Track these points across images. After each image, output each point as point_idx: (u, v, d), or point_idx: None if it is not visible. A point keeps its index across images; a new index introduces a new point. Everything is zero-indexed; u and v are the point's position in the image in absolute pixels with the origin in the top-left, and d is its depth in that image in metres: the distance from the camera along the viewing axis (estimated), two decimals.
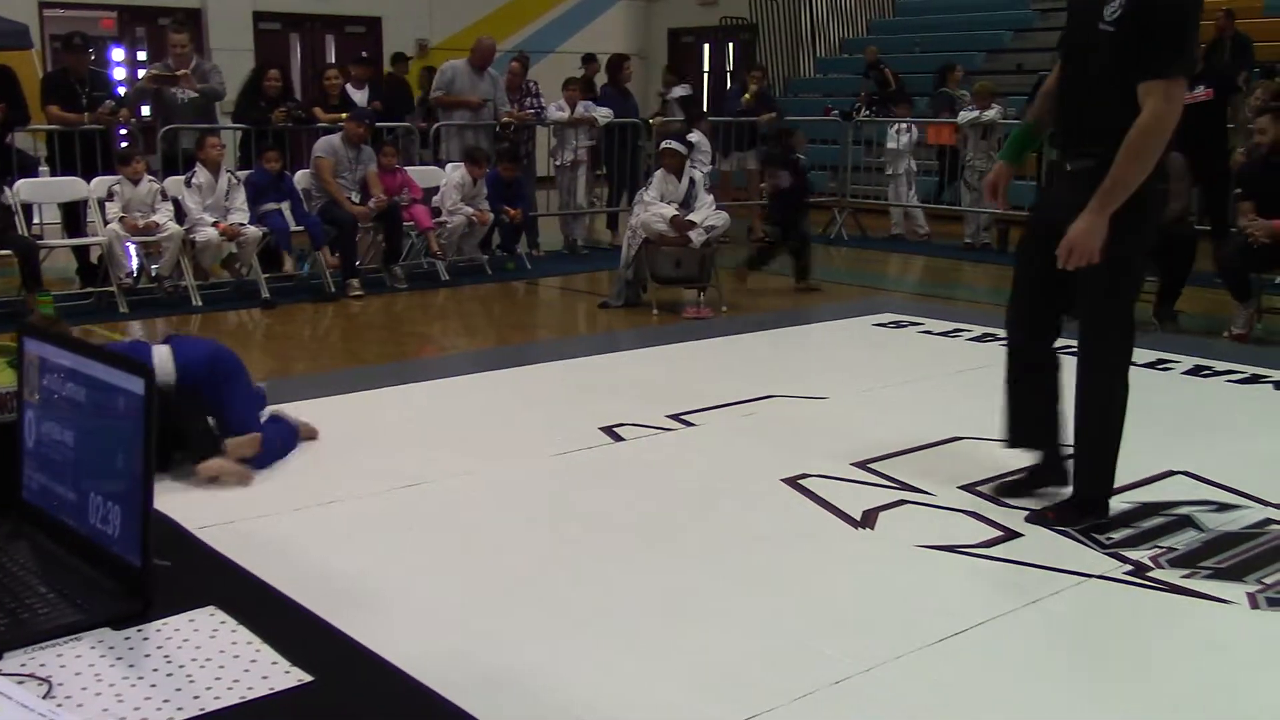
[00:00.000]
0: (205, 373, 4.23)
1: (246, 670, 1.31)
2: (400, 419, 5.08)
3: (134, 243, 7.91)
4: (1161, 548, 3.64)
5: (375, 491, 4.09)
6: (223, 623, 1.43)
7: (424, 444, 4.68)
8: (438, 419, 5.11)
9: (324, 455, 4.48)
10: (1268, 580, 3.39)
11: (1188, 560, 3.54)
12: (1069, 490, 3.93)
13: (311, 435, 4.59)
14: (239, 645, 1.37)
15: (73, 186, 8.20)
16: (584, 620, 3.12)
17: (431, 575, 3.39)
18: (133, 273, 8.10)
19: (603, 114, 10.91)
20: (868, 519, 3.87)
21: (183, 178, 8.06)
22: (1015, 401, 4.01)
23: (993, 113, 10.83)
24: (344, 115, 9.07)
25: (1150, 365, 6.09)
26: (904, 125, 11.85)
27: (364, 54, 12.24)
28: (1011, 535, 3.74)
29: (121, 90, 9.79)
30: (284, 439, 4.45)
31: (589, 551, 3.60)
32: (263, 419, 4.46)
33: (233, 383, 4.32)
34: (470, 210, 9.08)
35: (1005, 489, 4.09)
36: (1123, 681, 2.84)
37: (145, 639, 1.39)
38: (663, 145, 8.12)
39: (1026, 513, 3.90)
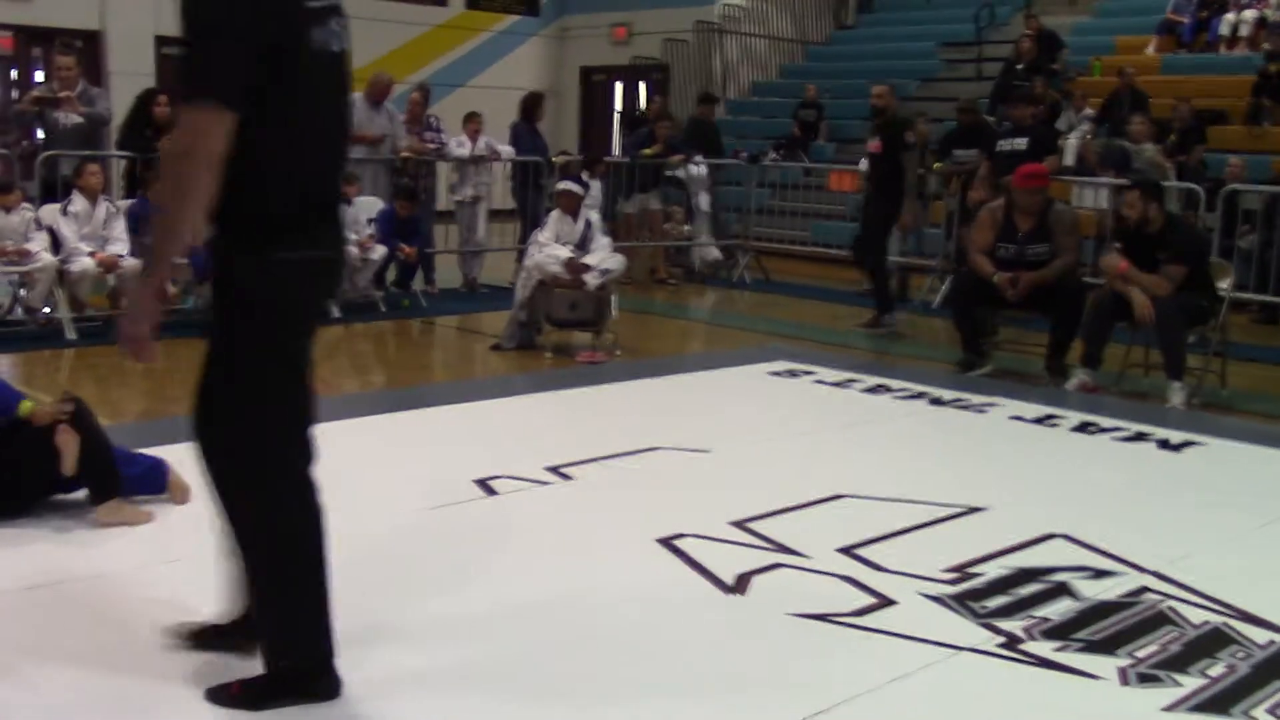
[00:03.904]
0: None
1: None
2: None
3: (4, 273, 7.58)
4: (1035, 618, 3.55)
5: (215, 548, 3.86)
6: None
7: None
8: None
9: (170, 509, 4.23)
10: (1139, 654, 3.32)
11: (1061, 631, 3.46)
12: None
13: (184, 498, 4.26)
14: None
15: None
16: (439, 687, 2.96)
17: None
18: (1, 304, 7.76)
19: (506, 152, 10.78)
20: (740, 584, 3.74)
21: (59, 206, 7.76)
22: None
23: None
24: None
25: (1039, 420, 6.07)
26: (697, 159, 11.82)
27: None
28: (886, 603, 3.63)
29: None
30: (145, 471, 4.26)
31: (440, 616, 3.41)
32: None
33: None
34: (352, 236, 8.86)
35: (193, 635, 3.12)
36: None
37: None
38: (559, 186, 8.00)
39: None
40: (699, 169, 11.88)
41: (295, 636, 2.83)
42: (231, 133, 2.55)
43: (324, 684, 2.85)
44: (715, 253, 12.03)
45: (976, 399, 6.48)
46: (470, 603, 3.53)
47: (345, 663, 2.93)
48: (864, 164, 9.85)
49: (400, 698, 2.92)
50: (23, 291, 7.85)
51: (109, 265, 7.66)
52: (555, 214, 7.79)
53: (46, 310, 7.78)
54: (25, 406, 4.05)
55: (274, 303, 2.72)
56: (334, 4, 2.74)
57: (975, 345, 7.40)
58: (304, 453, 2.85)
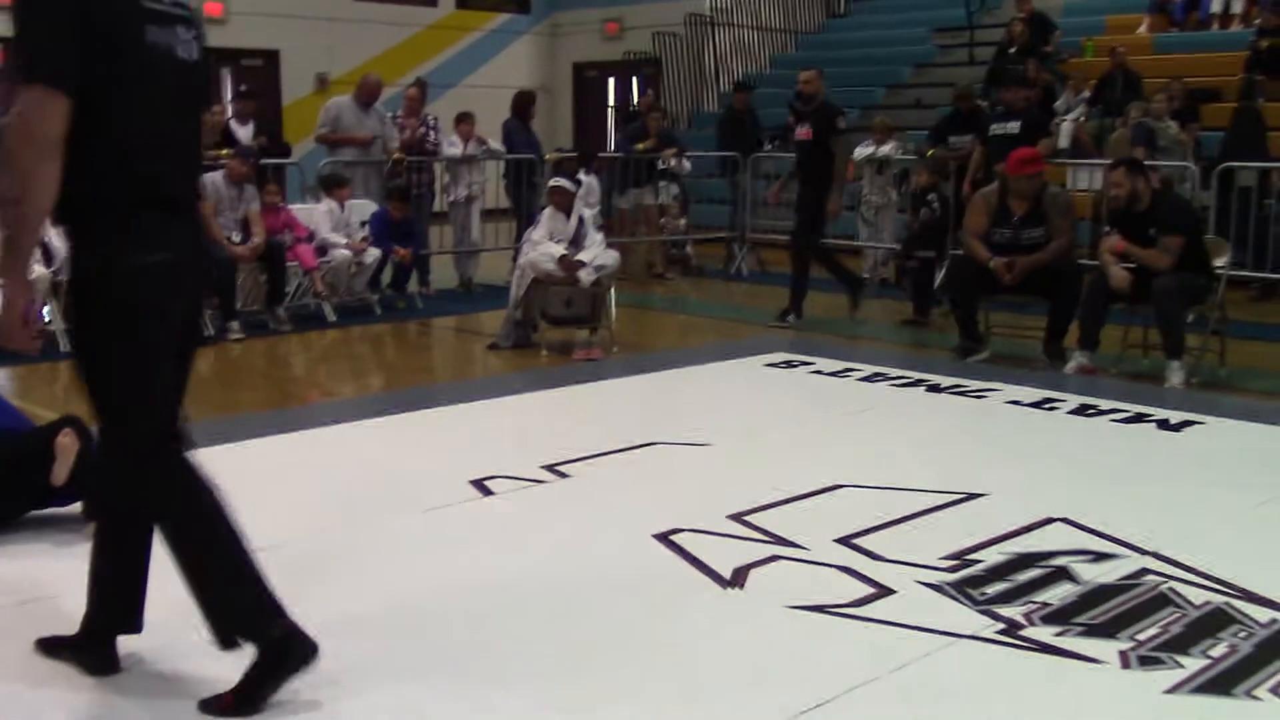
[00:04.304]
0: None
1: None
2: (265, 472, 4.81)
3: None
4: (1035, 603, 3.52)
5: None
6: None
7: (287, 500, 4.43)
8: (305, 472, 4.87)
9: None
10: (1140, 637, 3.29)
11: (1061, 616, 3.44)
12: None
13: None
14: None
15: None
16: (437, 685, 2.94)
17: None
18: None
19: (497, 147, 10.79)
20: (738, 578, 3.72)
21: None
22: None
23: (889, 148, 10.83)
24: (225, 152, 8.81)
25: (1037, 405, 6.05)
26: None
27: (242, 88, 11.96)
28: (885, 592, 3.61)
29: None
30: None
31: (436, 615, 3.40)
32: None
33: None
34: (345, 240, 8.85)
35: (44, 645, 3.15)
36: None
37: None
38: (551, 183, 7.97)
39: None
40: (688, 163, 11.88)
41: (243, 611, 2.83)
42: (68, 116, 2.53)
43: (297, 647, 2.82)
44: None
45: (974, 385, 6.46)
46: (466, 602, 3.51)
47: (343, 662, 2.93)
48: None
49: (397, 695, 2.91)
50: None
51: None
52: (548, 211, 7.76)
53: (42, 322, 7.77)
54: None
55: (127, 306, 2.68)
56: (183, 14, 2.75)
57: (972, 331, 7.38)
58: (171, 439, 2.85)
